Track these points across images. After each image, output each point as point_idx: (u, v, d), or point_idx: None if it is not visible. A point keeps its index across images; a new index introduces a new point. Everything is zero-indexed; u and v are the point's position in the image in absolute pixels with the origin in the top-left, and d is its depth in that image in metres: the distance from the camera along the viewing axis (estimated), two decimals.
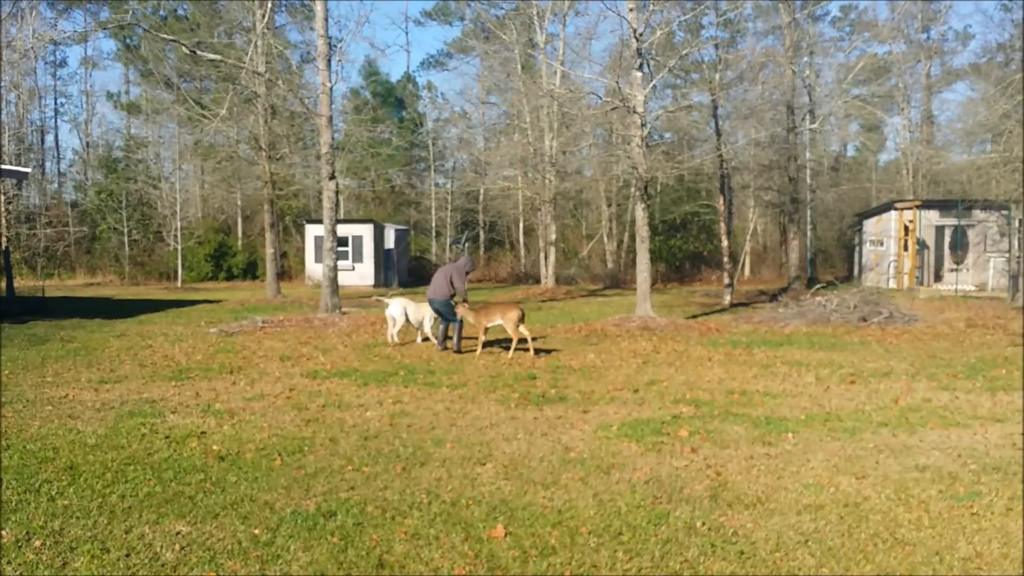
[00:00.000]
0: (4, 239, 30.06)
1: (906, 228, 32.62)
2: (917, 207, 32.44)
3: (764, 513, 5.90)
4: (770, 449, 7.67)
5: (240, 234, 47.75)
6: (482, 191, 46.73)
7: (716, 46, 30.39)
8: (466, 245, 42.39)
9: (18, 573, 4.77)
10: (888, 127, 51.29)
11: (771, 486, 6.51)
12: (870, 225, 37.74)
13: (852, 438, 8.09)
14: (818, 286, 25.05)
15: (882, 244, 35.40)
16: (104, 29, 47.88)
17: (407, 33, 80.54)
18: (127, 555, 5.04)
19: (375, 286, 36.10)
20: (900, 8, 44.68)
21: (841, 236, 47.02)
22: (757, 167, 33.95)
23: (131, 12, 31.01)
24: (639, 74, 19.92)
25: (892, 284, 32.51)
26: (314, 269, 34.64)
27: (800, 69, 35.90)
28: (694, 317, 21.39)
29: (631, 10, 19.69)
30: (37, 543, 5.19)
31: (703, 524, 5.65)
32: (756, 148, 33.16)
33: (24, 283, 34.68)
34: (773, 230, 48.71)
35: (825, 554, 5.20)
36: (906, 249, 32.71)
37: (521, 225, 47.01)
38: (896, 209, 33.68)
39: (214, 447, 7.57)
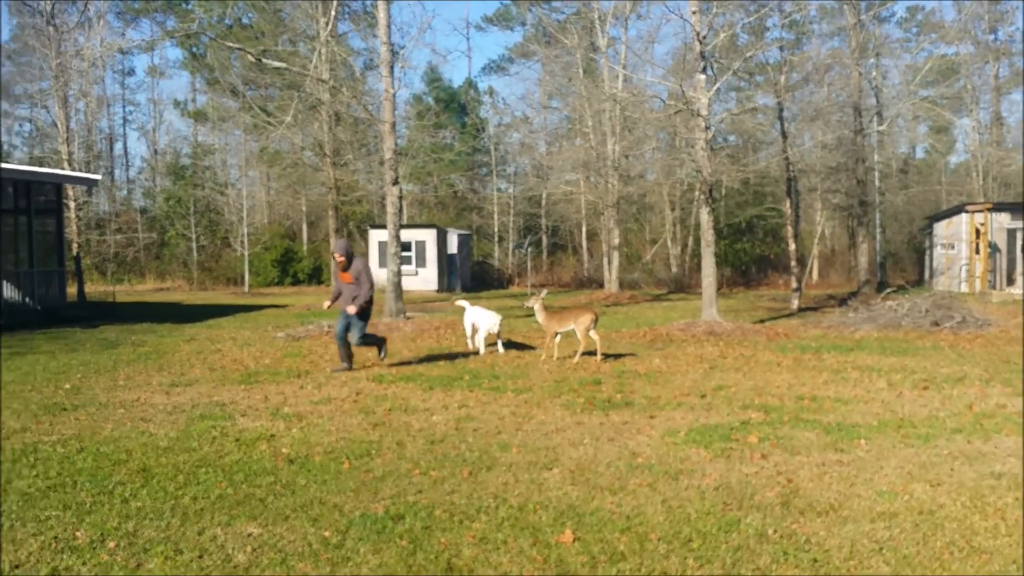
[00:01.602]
0: (75, 245, 30.87)
1: (977, 231, 31.80)
2: (988, 210, 31.61)
3: (837, 520, 5.77)
4: (842, 456, 7.51)
5: (305, 239, 48.36)
6: (544, 195, 46.71)
7: (781, 48, 30.02)
8: (528, 250, 42.33)
9: (93, 574, 4.85)
10: (957, 129, 50.16)
11: (844, 493, 6.37)
12: (940, 228, 36.89)
13: (926, 445, 7.89)
14: (888, 290, 24.54)
15: (953, 247, 34.58)
16: (171, 38, 49.04)
17: (468, 38, 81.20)
18: (200, 556, 5.10)
19: (438, 291, 36.30)
20: (967, 9, 43.71)
21: (911, 239, 46.05)
22: (824, 170, 33.38)
23: (197, 21, 31.70)
24: (703, 77, 19.74)
25: (964, 288, 31.73)
26: (378, 274, 34.87)
27: (867, 71, 35.27)
28: (761, 322, 21.09)
29: (694, 13, 19.51)
30: (111, 544, 5.27)
31: (775, 531, 5.54)
32: (823, 150, 32.63)
33: (95, 288, 35.61)
34: (841, 233, 47.89)
35: (900, 562, 5.07)
36: (977, 252, 31.90)
37: (584, 229, 46.89)
38: (967, 212, 32.88)
39: (283, 450, 7.65)
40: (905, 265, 44.97)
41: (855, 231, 37.90)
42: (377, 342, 13.15)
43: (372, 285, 12.70)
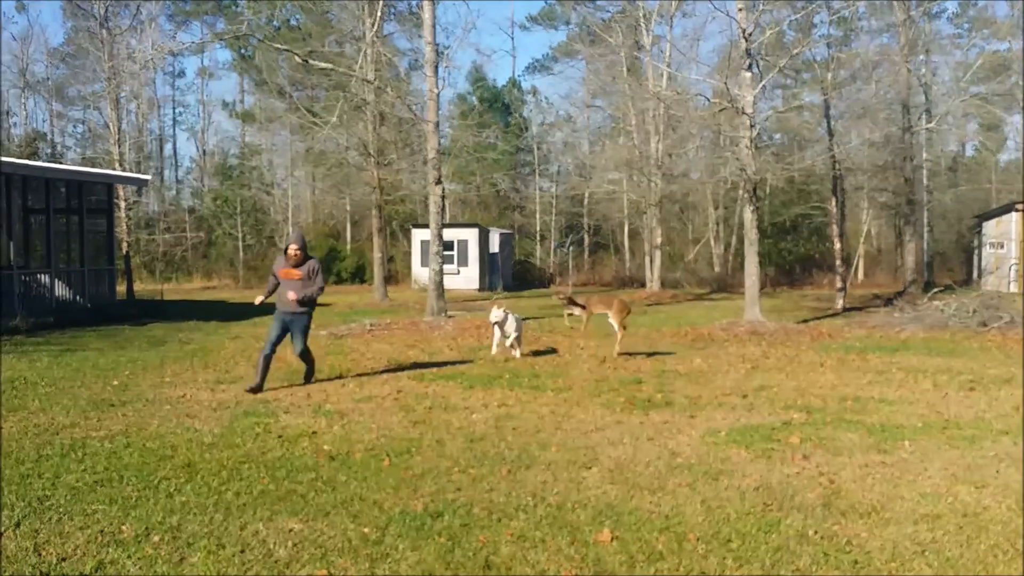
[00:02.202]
0: (125, 244, 31.40)
1: None
2: None
3: (879, 522, 5.71)
4: (886, 457, 7.42)
5: (349, 239, 48.70)
6: (587, 195, 46.61)
7: (828, 45, 29.70)
8: (570, 249, 42.28)
9: (138, 567, 4.93)
10: (1008, 126, 49.21)
11: (887, 495, 6.31)
12: (990, 227, 36.25)
13: (971, 446, 7.78)
14: (935, 290, 24.13)
15: (1002, 246, 33.95)
16: (220, 40, 49.59)
17: (513, 38, 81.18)
18: (242, 551, 5.17)
19: (480, 290, 36.37)
20: (1019, 5, 42.81)
21: (960, 238, 45.30)
22: (871, 168, 32.90)
23: (246, 23, 31.97)
24: (748, 74, 19.59)
25: (1013, 288, 31.11)
26: (420, 273, 35.07)
27: (916, 67, 34.74)
28: (805, 321, 20.88)
29: (740, 10, 19.37)
30: (156, 538, 5.36)
31: (815, 532, 5.50)
32: (870, 148, 32.14)
33: (144, 287, 36.17)
34: (888, 232, 47.23)
35: (943, 565, 5.01)
36: None
37: (626, 229, 46.70)
38: (1017, 211, 32.27)
39: (325, 447, 7.73)
40: (953, 264, 44.25)
41: (902, 230, 37.41)
42: (312, 361, 11.58)
43: (323, 288, 11.30)
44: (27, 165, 24.42)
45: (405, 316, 21.84)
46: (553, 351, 15.28)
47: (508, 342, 14.09)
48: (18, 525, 5.57)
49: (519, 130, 51.80)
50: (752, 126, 19.81)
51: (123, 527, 5.55)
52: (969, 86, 36.50)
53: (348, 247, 47.40)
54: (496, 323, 13.96)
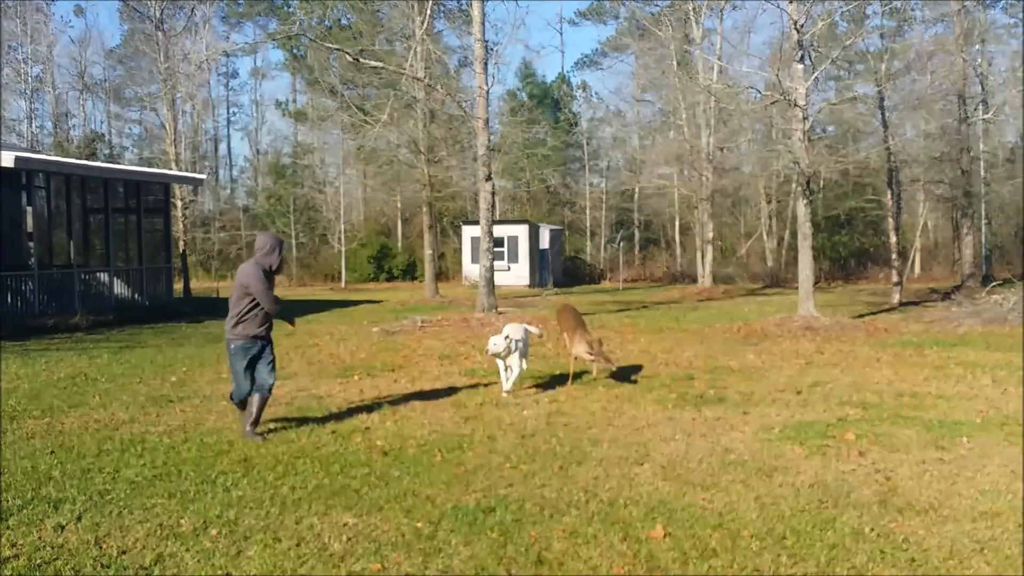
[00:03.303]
0: (182, 243, 31.92)
1: None
2: None
3: (937, 520, 5.63)
4: (943, 454, 7.30)
5: (400, 236, 49.00)
6: (637, 190, 46.37)
7: (882, 35, 29.18)
8: (620, 244, 42.07)
9: (196, 560, 5.04)
10: None
11: (944, 492, 6.21)
12: None
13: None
14: (994, 284, 23.64)
15: None
16: (273, 40, 50.10)
17: (562, 33, 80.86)
18: (297, 545, 5.24)
19: (530, 286, 36.38)
20: None
21: (1019, 231, 44.13)
22: (927, 160, 32.34)
23: (298, 23, 32.36)
24: (800, 67, 19.33)
25: None
26: (471, 269, 35.17)
27: (971, 57, 33.96)
28: (860, 316, 20.57)
29: (791, 1, 19.12)
30: (213, 532, 5.47)
31: (871, 530, 5.43)
32: (926, 140, 31.63)
33: (200, 284, 36.74)
34: (945, 225, 46.26)
35: (1002, 563, 4.93)
36: None
37: (677, 224, 46.35)
38: None
39: (378, 442, 7.80)
40: (1012, 258, 43.09)
41: (959, 223, 36.64)
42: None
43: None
44: (86, 166, 24.93)
45: (456, 312, 21.92)
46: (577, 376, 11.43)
47: (511, 379, 10.21)
48: (79, 519, 5.71)
49: (569, 126, 51.66)
50: (805, 119, 19.56)
51: (181, 521, 5.66)
52: None
53: (399, 244, 47.70)
54: (495, 355, 10.14)
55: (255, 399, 8.08)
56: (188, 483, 6.54)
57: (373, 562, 4.97)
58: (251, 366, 8.13)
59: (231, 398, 8.47)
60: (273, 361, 8.27)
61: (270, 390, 8.21)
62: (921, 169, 33.81)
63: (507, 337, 10.06)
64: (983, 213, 37.95)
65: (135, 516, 5.77)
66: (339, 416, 9.05)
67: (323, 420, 8.82)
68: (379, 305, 26.42)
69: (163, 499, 6.12)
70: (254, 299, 8.03)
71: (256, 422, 8.11)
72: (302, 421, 8.76)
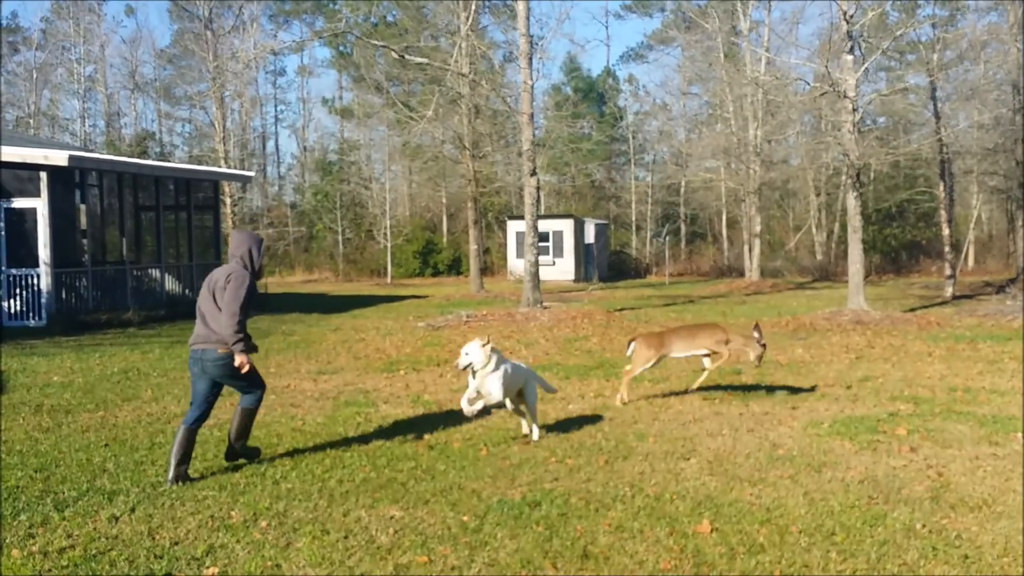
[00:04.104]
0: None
1: None
2: None
3: (990, 516, 5.52)
4: (997, 449, 7.16)
5: (445, 231, 49.16)
6: (683, 183, 46.05)
7: (933, 25, 28.67)
8: (667, 239, 41.84)
9: (247, 551, 5.09)
10: None
11: (998, 488, 6.09)
12: None
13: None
14: None
15: None
16: (319, 38, 50.50)
17: (607, 27, 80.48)
18: (345, 537, 5.28)
19: (575, 281, 36.32)
20: None
21: None
22: (980, 151, 31.67)
23: (344, 20, 32.59)
24: (850, 57, 19.06)
25: None
26: (516, 264, 35.19)
27: None
28: (912, 310, 20.25)
29: None
30: (263, 523, 5.52)
31: (923, 526, 5.34)
32: (979, 131, 30.97)
33: None
34: (1000, 217, 45.35)
35: None
36: None
37: (724, 217, 46.02)
38: None
39: (424, 436, 7.83)
40: None
41: (1014, 215, 35.89)
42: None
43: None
44: (138, 164, 25.31)
45: (501, 307, 21.96)
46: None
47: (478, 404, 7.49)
48: (133, 510, 5.80)
49: (614, 119, 51.45)
50: (855, 110, 19.29)
51: (232, 513, 5.73)
52: None
53: (444, 239, 47.86)
54: (466, 368, 7.57)
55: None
56: (238, 476, 6.60)
57: (420, 555, 4.99)
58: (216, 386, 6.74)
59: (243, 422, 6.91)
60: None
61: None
62: (974, 160, 33.15)
63: (489, 347, 7.52)
64: None
65: (187, 508, 5.84)
66: (385, 410, 9.10)
67: (369, 414, 8.87)
68: (424, 300, 26.54)
69: (214, 491, 6.18)
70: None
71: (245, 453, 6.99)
72: (349, 415, 8.81)
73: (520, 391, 7.81)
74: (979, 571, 4.71)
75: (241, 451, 6.92)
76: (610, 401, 9.49)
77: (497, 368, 7.47)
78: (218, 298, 6.51)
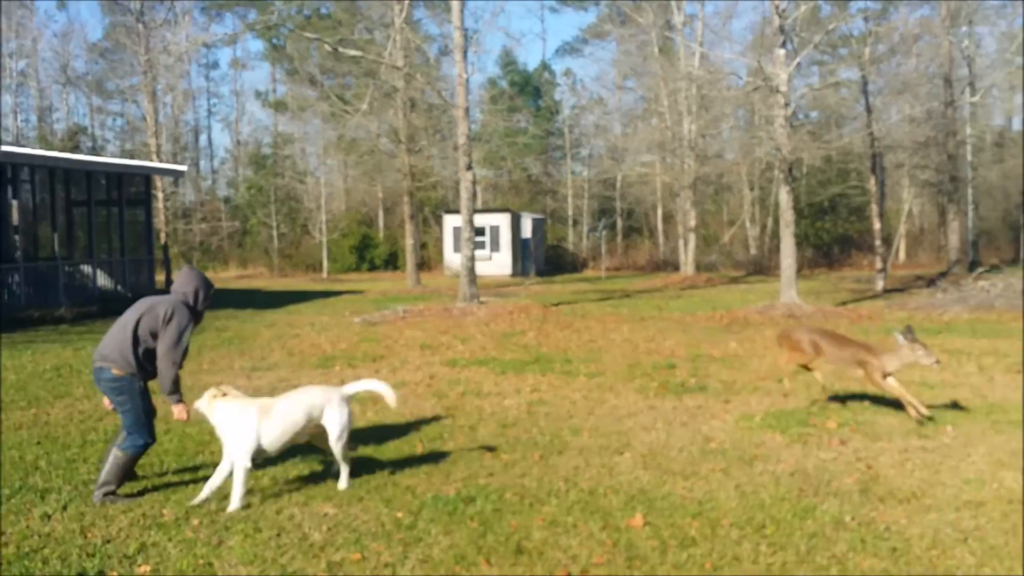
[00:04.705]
0: (163, 234, 31.72)
1: None
2: None
3: (919, 509, 5.63)
4: (926, 442, 7.31)
5: (382, 226, 48.84)
6: (619, 178, 46.30)
7: (866, 18, 29.19)
8: (603, 233, 42.06)
9: (178, 549, 5.04)
10: None
11: (927, 481, 6.22)
12: None
13: (1018, 431, 7.62)
14: (981, 270, 23.77)
15: None
16: (252, 30, 49.82)
17: (542, 21, 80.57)
18: (278, 535, 5.24)
19: (512, 275, 36.34)
20: None
21: (1007, 216, 44.34)
22: (912, 144, 32.31)
23: (277, 13, 32.11)
24: (782, 52, 19.33)
25: None
26: (452, 259, 35.07)
27: (958, 39, 34.06)
28: (844, 304, 20.64)
29: None
30: (195, 521, 5.47)
31: (852, 519, 5.43)
32: (911, 124, 31.62)
33: None
34: (931, 211, 46.41)
35: (986, 552, 4.93)
36: None
37: (660, 211, 46.37)
38: None
39: (358, 433, 7.75)
40: (1000, 243, 43.36)
41: (945, 208, 36.80)
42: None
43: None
44: (69, 159, 24.72)
45: (438, 302, 21.86)
46: None
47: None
48: (65, 508, 5.77)
49: (550, 113, 51.54)
50: (787, 104, 19.57)
51: (164, 511, 5.68)
52: (1015, 57, 35.66)
53: (381, 234, 47.55)
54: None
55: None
56: (171, 474, 6.52)
57: (353, 552, 4.95)
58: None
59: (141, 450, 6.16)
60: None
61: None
62: (906, 154, 33.85)
63: (220, 394, 6.06)
64: (970, 198, 38.11)
65: (119, 506, 5.78)
66: None
67: None
68: (361, 295, 26.32)
69: (146, 490, 6.12)
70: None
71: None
72: None
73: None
74: (907, 563, 4.79)
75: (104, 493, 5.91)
76: (546, 396, 9.49)
77: (234, 419, 5.91)
78: (160, 333, 5.96)
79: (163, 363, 5.93)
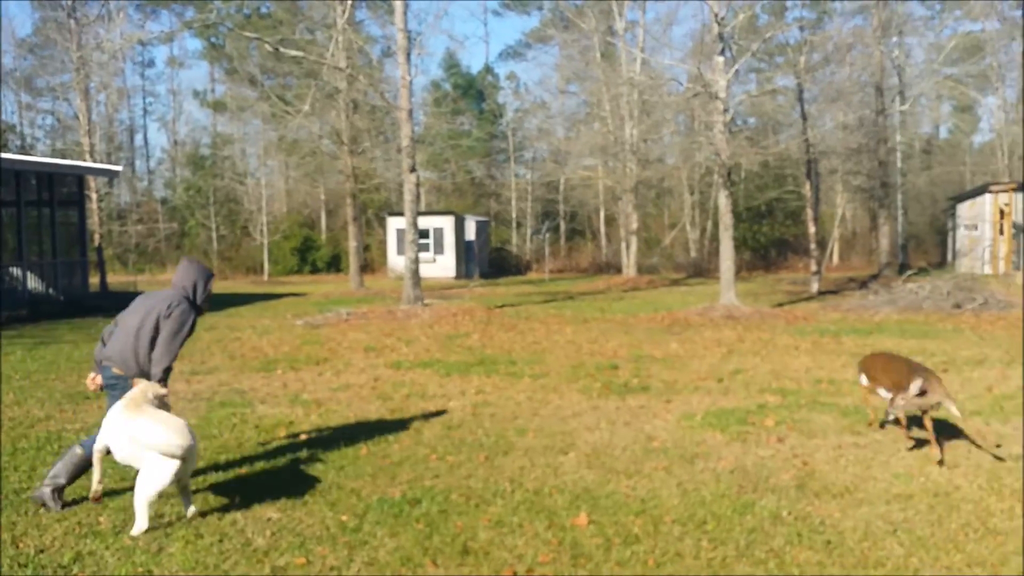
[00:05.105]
0: (97, 236, 31.11)
1: (1001, 212, 31.45)
2: (1013, 190, 31.18)
3: (852, 503, 5.80)
4: (859, 439, 7.51)
5: (324, 228, 48.49)
6: (562, 181, 46.54)
7: (801, 27, 29.83)
8: (546, 235, 42.27)
9: (116, 558, 4.95)
10: (982, 107, 49.43)
11: (860, 476, 6.40)
12: (964, 209, 36.51)
13: (944, 427, 7.86)
14: (910, 272, 24.35)
15: (976, 228, 34.23)
16: (189, 29, 49.14)
17: (486, 24, 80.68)
18: (220, 540, 5.18)
19: (456, 278, 36.34)
20: None
21: (934, 221, 45.60)
22: (845, 151, 33.08)
23: (215, 11, 31.73)
24: (721, 59, 19.63)
25: (987, 270, 31.39)
26: (396, 261, 34.97)
27: (889, 49, 34.93)
28: (780, 305, 21.03)
29: None
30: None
31: (789, 513, 5.57)
32: (844, 131, 32.34)
33: (117, 279, 35.86)
34: (863, 215, 47.46)
35: (914, 544, 5.09)
36: (1002, 233, 31.56)
37: (602, 215, 46.74)
38: (991, 192, 32.47)
39: (302, 436, 7.73)
40: (927, 247, 44.58)
41: (876, 213, 37.67)
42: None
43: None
44: None
45: (381, 305, 21.80)
46: None
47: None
48: None
49: (493, 116, 51.68)
50: (726, 111, 19.88)
51: (100, 519, 5.55)
52: (942, 67, 36.71)
53: (323, 236, 47.20)
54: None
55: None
56: (107, 480, 6.37)
57: (298, 556, 4.93)
58: None
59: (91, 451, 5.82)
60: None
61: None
62: (839, 160, 34.62)
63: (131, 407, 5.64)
64: (900, 203, 39.10)
65: (52, 515, 5.64)
66: (261, 411, 8.93)
67: (245, 415, 8.68)
68: (303, 298, 26.12)
69: (81, 498, 5.96)
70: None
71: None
72: (224, 416, 8.61)
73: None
74: (841, 555, 4.93)
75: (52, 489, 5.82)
76: (491, 397, 9.54)
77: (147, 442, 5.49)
78: (161, 326, 5.90)
79: (158, 351, 5.90)
